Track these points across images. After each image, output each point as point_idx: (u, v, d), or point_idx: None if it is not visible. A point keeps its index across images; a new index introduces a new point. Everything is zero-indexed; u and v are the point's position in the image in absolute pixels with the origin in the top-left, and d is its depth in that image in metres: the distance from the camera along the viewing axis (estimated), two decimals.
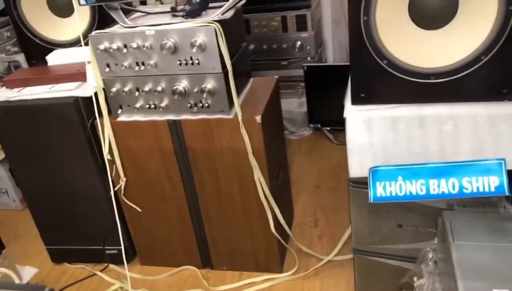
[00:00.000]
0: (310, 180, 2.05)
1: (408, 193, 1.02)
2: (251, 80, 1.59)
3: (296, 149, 2.29)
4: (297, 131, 2.36)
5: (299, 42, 2.19)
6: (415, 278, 1.21)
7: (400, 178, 1.03)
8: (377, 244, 1.31)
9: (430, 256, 1.18)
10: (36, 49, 1.68)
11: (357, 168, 1.08)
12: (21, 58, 2.10)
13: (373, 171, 1.04)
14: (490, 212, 1.07)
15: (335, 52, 2.45)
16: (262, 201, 1.46)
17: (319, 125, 2.29)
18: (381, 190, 1.04)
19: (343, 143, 2.27)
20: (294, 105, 2.32)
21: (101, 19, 1.60)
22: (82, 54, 1.58)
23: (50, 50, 1.67)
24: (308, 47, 2.19)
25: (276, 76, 1.61)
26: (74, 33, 1.66)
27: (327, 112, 2.23)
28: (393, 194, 1.03)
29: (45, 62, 1.64)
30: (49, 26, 1.65)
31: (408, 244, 1.26)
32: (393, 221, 1.25)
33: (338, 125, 2.27)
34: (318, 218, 1.83)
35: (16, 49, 2.18)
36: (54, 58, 1.62)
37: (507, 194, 0.95)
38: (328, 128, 2.31)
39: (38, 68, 1.61)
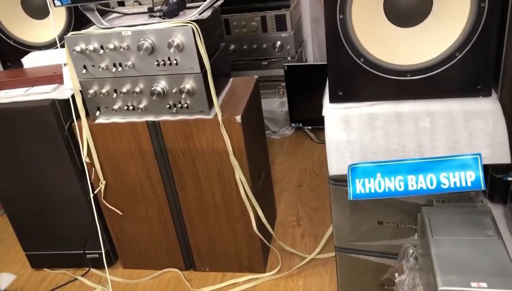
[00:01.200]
0: (293, 179, 2.05)
1: (387, 190, 1.03)
2: (231, 80, 1.59)
3: (278, 149, 2.29)
4: (279, 131, 2.36)
5: (279, 42, 2.19)
6: (396, 274, 1.22)
7: (379, 175, 1.03)
8: (359, 241, 1.31)
9: (411, 251, 1.19)
10: (10, 51, 1.64)
11: (336, 165, 1.09)
12: None
13: (352, 168, 1.04)
14: (467, 207, 1.08)
15: (314, 51, 2.46)
16: (244, 201, 1.46)
17: (301, 125, 2.30)
18: (360, 187, 1.04)
19: (324, 142, 2.28)
20: (275, 105, 2.32)
21: (77, 20, 1.58)
22: (58, 56, 1.57)
23: (25, 53, 1.64)
24: (288, 47, 2.19)
25: (256, 76, 1.61)
26: (50, 35, 1.63)
27: (308, 112, 2.24)
28: (372, 190, 1.04)
29: (21, 65, 1.61)
30: (24, 28, 1.62)
31: (389, 240, 1.27)
32: (373, 218, 1.26)
33: (319, 124, 2.27)
34: (301, 216, 1.84)
35: None
36: (30, 61, 1.60)
37: (483, 188, 0.96)
38: (310, 127, 2.32)
39: (13, 71, 1.58)
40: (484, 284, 0.88)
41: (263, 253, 1.59)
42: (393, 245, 1.25)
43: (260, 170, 1.60)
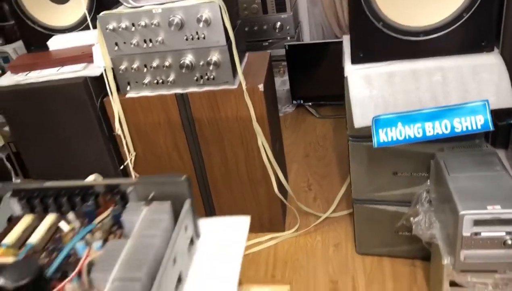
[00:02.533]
0: (299, 151, 2.19)
1: (407, 137, 1.17)
2: (247, 55, 1.71)
3: (282, 125, 2.41)
4: (282, 109, 2.49)
5: (279, 23, 2.31)
6: (411, 219, 1.36)
7: (399, 124, 1.17)
8: (375, 192, 1.46)
9: (424, 196, 1.34)
10: (34, 36, 1.72)
11: (360, 119, 1.22)
12: (9, 49, 2.14)
13: (376, 119, 1.18)
14: (475, 151, 1.24)
15: (312, 31, 2.59)
16: (265, 165, 1.58)
17: (302, 102, 2.43)
18: (383, 136, 1.18)
19: (325, 117, 2.42)
20: (277, 84, 2.45)
21: (99, 3, 1.67)
22: (82, 38, 1.66)
23: (48, 36, 1.72)
24: (287, 27, 2.32)
25: (269, 51, 1.73)
26: (72, 19, 1.71)
27: (309, 89, 2.38)
28: (394, 138, 1.18)
29: (44, 49, 1.69)
30: (47, 13, 1.70)
31: (403, 189, 1.41)
32: (388, 169, 1.40)
33: (320, 100, 2.42)
34: (311, 183, 1.97)
35: (0, 41, 2.20)
36: (55, 43, 1.68)
37: (491, 128, 1.11)
38: (310, 103, 2.45)
39: (41, 53, 1.67)
40: (498, 206, 1.03)
41: (282, 214, 1.72)
42: (407, 193, 1.40)
43: (276, 138, 1.73)
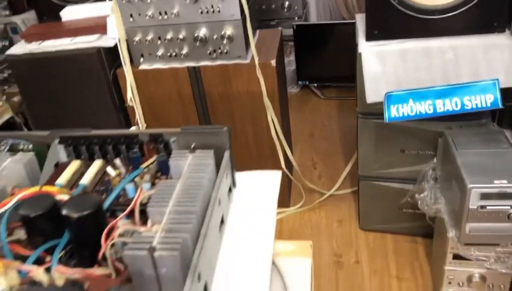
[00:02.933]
0: (304, 131, 2.22)
1: (418, 113, 1.20)
2: (258, 31, 1.73)
3: None
4: (287, 89, 2.51)
5: (287, 2, 2.33)
6: (416, 195, 1.40)
7: (410, 101, 1.20)
8: (382, 169, 1.49)
9: (430, 174, 1.38)
10: (47, 6, 1.73)
11: (373, 94, 1.25)
12: (18, 20, 2.14)
13: (388, 95, 1.21)
14: (483, 129, 1.27)
15: (319, 12, 2.61)
16: (274, 140, 1.61)
17: (307, 82, 2.46)
18: (394, 111, 1.21)
19: (330, 98, 2.45)
20: None
21: None
22: (94, 10, 1.67)
23: (60, 7, 1.72)
24: (295, 7, 2.33)
25: (280, 28, 1.75)
26: None
27: (315, 69, 2.40)
28: (405, 114, 1.21)
29: (56, 19, 1.70)
30: None
31: (409, 167, 1.45)
32: (396, 147, 1.44)
33: (326, 81, 2.45)
34: (316, 161, 2.01)
35: (7, 12, 2.19)
36: (68, 14, 1.69)
37: (500, 106, 1.15)
38: (316, 84, 2.48)
39: (54, 23, 1.67)
40: (505, 181, 1.07)
41: (287, 190, 1.75)
42: (413, 171, 1.43)
43: (285, 115, 1.76)
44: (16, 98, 1.94)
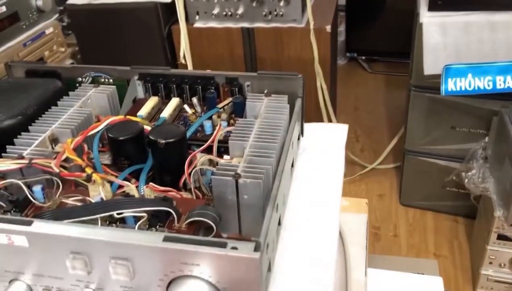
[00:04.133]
0: (348, 104, 2.20)
1: (476, 88, 1.18)
2: None
3: None
4: None
5: None
6: (463, 174, 1.38)
7: (470, 75, 1.18)
8: (429, 145, 1.48)
9: (480, 153, 1.35)
10: None
11: (431, 66, 1.23)
12: None
13: (447, 68, 1.19)
14: None
15: None
16: (320, 109, 1.61)
17: (355, 55, 2.43)
18: (452, 85, 1.19)
19: (377, 72, 2.41)
20: None
21: None
22: None
23: None
24: None
25: None
26: None
27: (365, 42, 2.36)
28: (463, 88, 1.19)
29: None
30: None
31: (458, 144, 1.43)
32: (447, 123, 1.42)
33: (374, 55, 2.41)
34: (359, 134, 2.00)
35: None
36: None
37: None
38: (363, 57, 2.44)
39: None
40: None
41: None
42: (461, 149, 1.41)
43: (333, 84, 1.75)
44: (71, 49, 2.00)
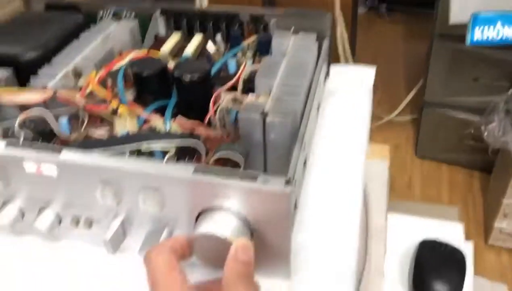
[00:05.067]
0: (366, 54, 2.15)
1: (504, 38, 1.14)
2: None
3: None
4: None
5: None
6: (482, 127, 1.36)
7: (499, 23, 1.13)
8: (450, 96, 1.45)
9: (502, 106, 1.32)
10: None
11: (458, 14, 1.18)
12: None
13: (474, 16, 1.14)
14: None
15: None
16: (339, 56, 1.58)
17: (375, 3, 2.35)
18: (478, 34, 1.15)
19: (397, 22, 2.34)
20: None
21: None
22: None
23: None
24: None
25: None
26: None
27: None
28: (490, 38, 1.15)
29: None
30: None
31: (480, 97, 1.40)
32: (470, 74, 1.38)
33: (394, 4, 2.33)
34: (376, 85, 1.96)
35: None
36: None
37: None
38: (384, 6, 2.36)
39: None
40: None
41: None
42: (483, 101, 1.37)
43: (354, 32, 1.70)
44: None
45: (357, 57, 2.09)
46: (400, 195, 1.51)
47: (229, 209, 0.36)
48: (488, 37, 1.16)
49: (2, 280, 0.43)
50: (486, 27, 1.15)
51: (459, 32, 1.21)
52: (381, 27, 2.33)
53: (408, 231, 0.73)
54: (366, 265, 0.55)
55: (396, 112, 1.77)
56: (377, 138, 1.71)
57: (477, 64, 1.35)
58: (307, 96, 0.47)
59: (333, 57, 1.59)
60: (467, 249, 0.69)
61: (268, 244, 0.38)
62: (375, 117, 1.76)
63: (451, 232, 0.70)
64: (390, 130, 1.74)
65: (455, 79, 1.41)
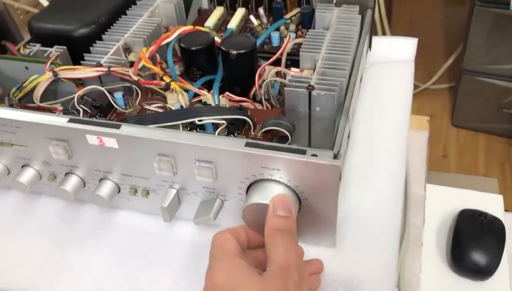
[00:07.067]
0: (403, 20, 2.09)
1: None
2: None
3: None
4: None
5: None
6: None
7: None
8: (489, 64, 1.41)
9: None
10: None
11: None
12: None
13: None
14: None
15: None
16: (375, 24, 1.54)
17: None
18: None
19: None
20: None
21: None
22: None
23: None
24: None
25: None
26: None
27: None
28: None
29: None
30: None
31: None
32: (511, 40, 1.34)
33: None
34: None
35: None
36: None
37: None
38: None
39: None
40: None
41: None
42: None
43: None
44: None
45: (393, 23, 2.04)
46: (435, 164, 1.50)
47: (279, 181, 0.38)
48: None
49: (66, 247, 0.46)
50: None
51: None
52: None
53: (446, 201, 0.73)
54: (405, 234, 0.57)
55: (433, 80, 1.74)
56: (412, 107, 1.70)
57: None
58: (351, 70, 0.48)
59: None
60: (506, 220, 0.69)
61: (315, 214, 0.40)
62: None
63: (490, 203, 0.70)
64: (426, 98, 1.72)
65: (496, 45, 1.36)
